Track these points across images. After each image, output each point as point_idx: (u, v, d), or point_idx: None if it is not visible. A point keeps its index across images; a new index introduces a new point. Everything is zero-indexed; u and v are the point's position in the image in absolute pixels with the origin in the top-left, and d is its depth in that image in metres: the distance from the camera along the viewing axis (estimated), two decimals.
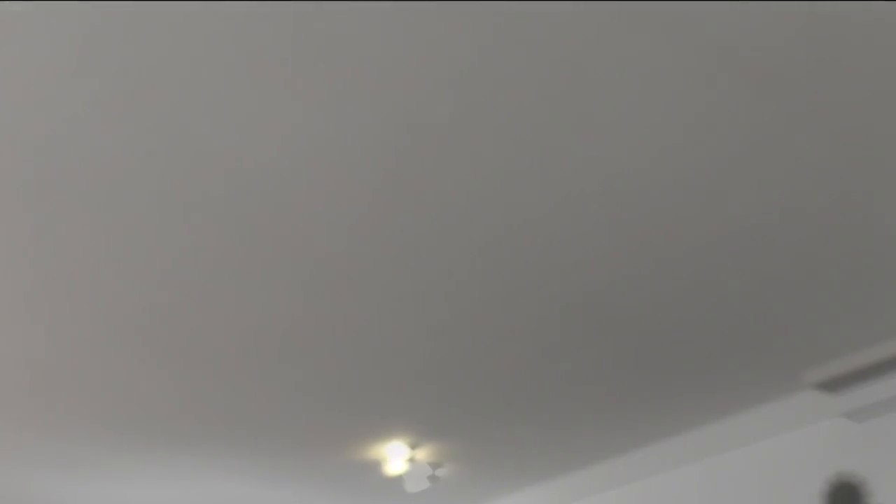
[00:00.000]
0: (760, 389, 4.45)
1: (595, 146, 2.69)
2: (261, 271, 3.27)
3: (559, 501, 5.78)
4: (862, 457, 4.29)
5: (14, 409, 4.30)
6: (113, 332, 3.63)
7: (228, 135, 2.58)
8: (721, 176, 2.85)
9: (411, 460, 5.03)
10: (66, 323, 3.54)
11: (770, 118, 2.61)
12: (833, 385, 4.19)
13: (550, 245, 3.18)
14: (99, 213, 2.90)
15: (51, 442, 4.72)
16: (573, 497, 5.71)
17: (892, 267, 3.42)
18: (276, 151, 2.66)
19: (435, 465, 5.13)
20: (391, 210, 2.94)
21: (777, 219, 3.08)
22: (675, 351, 4.01)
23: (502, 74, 2.40)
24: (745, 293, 3.54)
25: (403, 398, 4.36)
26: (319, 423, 4.62)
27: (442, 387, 4.25)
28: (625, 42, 2.32)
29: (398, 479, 5.46)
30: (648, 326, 3.77)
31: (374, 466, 5.25)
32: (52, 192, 2.79)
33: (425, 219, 3.00)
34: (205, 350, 3.82)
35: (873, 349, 4.05)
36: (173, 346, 3.78)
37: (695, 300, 3.57)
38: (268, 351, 3.85)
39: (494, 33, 2.27)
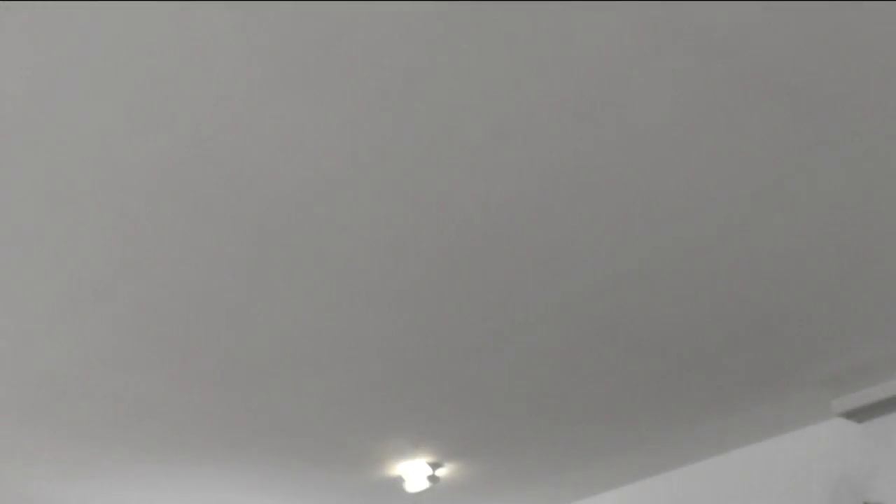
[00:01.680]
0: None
1: (626, 168, 2.69)
2: (285, 287, 3.27)
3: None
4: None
5: (28, 417, 4.30)
6: (136, 345, 3.63)
7: (256, 148, 2.58)
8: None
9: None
10: (89, 334, 3.53)
11: (801, 143, 2.63)
12: (861, 415, 4.21)
13: (578, 266, 3.18)
14: (122, 225, 2.89)
15: (65, 450, 4.72)
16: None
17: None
18: (303, 165, 2.65)
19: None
20: (419, 229, 2.94)
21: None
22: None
23: (533, 93, 2.40)
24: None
25: (428, 416, 4.38)
26: (334, 434, 4.63)
27: (466, 406, 4.28)
28: (657, 64, 2.33)
29: (399, 479, 5.46)
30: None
31: (395, 484, 5.29)
32: (77, 203, 2.78)
33: (455, 238, 3.00)
34: (226, 363, 3.82)
35: None
36: (188, 357, 3.77)
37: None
38: (283, 363, 3.85)
39: (525, 53, 2.27)
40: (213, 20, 2.16)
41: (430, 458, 5.05)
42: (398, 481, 5.40)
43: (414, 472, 5.07)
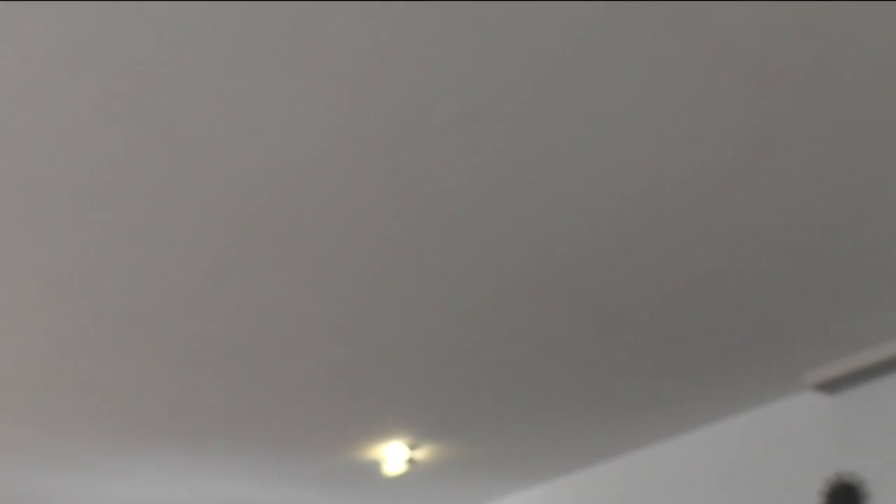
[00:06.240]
0: (760, 389, 4.51)
1: (596, 145, 2.73)
2: (260, 271, 3.30)
3: (560, 501, 5.84)
4: (861, 457, 4.32)
5: (12, 408, 4.31)
6: (112, 332, 3.65)
7: (227, 134, 2.60)
8: (721, 174, 2.88)
9: (410, 461, 5.10)
10: (65, 322, 3.55)
11: (771, 117, 2.64)
12: (833, 386, 4.28)
13: (550, 244, 3.21)
14: (97, 213, 2.92)
15: (48, 441, 4.73)
16: (573, 497, 5.79)
17: (893, 266, 3.44)
18: (274, 150, 2.68)
19: (413, 446, 5.10)
20: (391, 210, 2.98)
21: (777, 217, 3.11)
22: (675, 351, 4.04)
23: (503, 73, 2.42)
24: (745, 293, 3.58)
25: (403, 398, 4.41)
26: (319, 422, 4.67)
27: (442, 387, 4.31)
28: (625, 40, 2.34)
29: (395, 480, 5.52)
30: (648, 327, 3.80)
31: (373, 467, 5.33)
32: (51, 191, 2.80)
33: (425, 218, 3.03)
34: (203, 349, 3.85)
35: (872, 350, 4.11)
36: (172, 346, 3.80)
37: (695, 300, 3.61)
38: (266, 350, 3.89)
39: (494, 32, 2.29)
40: (181, 7, 2.18)
41: (407, 440, 5.04)
42: (376, 464, 5.39)
43: (392, 454, 5.08)
